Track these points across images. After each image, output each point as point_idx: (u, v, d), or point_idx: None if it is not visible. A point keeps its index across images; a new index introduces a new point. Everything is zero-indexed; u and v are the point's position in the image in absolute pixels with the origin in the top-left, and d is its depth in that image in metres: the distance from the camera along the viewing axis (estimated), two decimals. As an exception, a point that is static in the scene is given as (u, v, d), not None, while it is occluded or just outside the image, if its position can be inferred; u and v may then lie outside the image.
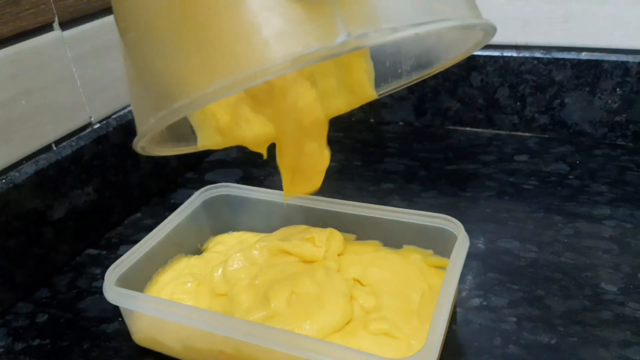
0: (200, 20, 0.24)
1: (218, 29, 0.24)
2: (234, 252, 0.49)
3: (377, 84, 0.40)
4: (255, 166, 0.72)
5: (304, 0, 0.23)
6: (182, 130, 0.37)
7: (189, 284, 0.47)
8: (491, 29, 0.30)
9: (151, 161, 0.65)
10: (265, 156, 0.41)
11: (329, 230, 0.49)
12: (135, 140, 0.29)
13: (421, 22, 0.24)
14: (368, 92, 0.40)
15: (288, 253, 0.47)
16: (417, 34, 0.24)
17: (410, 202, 0.61)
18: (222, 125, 0.38)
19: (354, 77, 0.39)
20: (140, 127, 0.28)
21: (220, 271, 0.47)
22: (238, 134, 0.38)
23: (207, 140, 0.38)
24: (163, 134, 0.34)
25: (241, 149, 0.74)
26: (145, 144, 0.31)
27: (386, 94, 0.41)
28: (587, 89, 0.69)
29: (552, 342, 0.42)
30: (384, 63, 0.40)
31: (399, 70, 0.40)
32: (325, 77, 0.39)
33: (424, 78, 0.40)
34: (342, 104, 0.40)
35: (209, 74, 0.24)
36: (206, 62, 0.24)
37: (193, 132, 0.38)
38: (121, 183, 0.62)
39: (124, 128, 0.61)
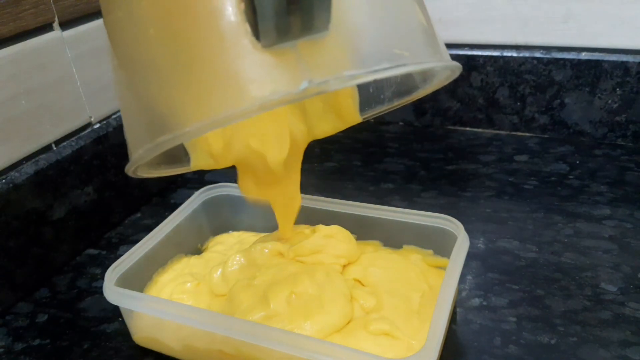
0: (187, 64, 0.27)
1: (200, 74, 0.27)
2: (233, 252, 0.49)
3: (362, 108, 0.42)
4: (255, 166, 0.71)
5: (272, 49, 0.26)
6: (176, 152, 0.39)
7: (189, 284, 0.47)
8: (455, 69, 0.32)
9: (151, 161, 0.65)
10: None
11: (334, 227, 0.49)
12: (127, 166, 0.32)
13: (379, 69, 0.26)
14: (353, 116, 0.42)
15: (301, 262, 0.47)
16: (375, 80, 0.27)
17: (410, 202, 0.61)
18: (215, 151, 0.39)
19: (340, 102, 0.41)
20: (132, 155, 0.31)
21: (219, 272, 0.46)
22: (230, 157, 0.40)
23: (200, 161, 0.40)
24: (156, 158, 0.36)
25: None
26: (138, 169, 0.34)
27: (370, 118, 0.43)
28: (587, 89, 0.69)
29: (552, 342, 0.42)
30: (367, 89, 0.42)
31: (382, 97, 0.42)
32: (313, 101, 0.41)
33: (405, 104, 0.42)
34: (329, 127, 0.42)
35: (191, 113, 0.27)
36: (189, 102, 0.27)
37: (186, 154, 0.40)
38: (121, 183, 0.62)
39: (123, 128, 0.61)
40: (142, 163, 0.30)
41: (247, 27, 0.25)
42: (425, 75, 0.39)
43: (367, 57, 0.28)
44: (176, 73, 0.27)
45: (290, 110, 0.41)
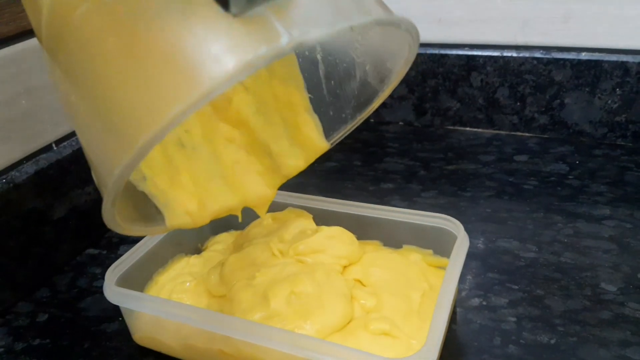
0: (150, 53, 0.25)
1: (171, 57, 0.25)
2: (230, 252, 0.49)
3: (327, 133, 0.42)
4: (255, 166, 0.72)
5: (243, 16, 0.25)
6: (149, 210, 0.38)
7: (188, 284, 0.47)
8: (412, 28, 0.31)
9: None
10: (240, 219, 0.43)
11: (337, 228, 0.49)
12: (104, 204, 0.29)
13: (354, 19, 0.27)
14: (320, 145, 0.42)
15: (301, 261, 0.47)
16: (352, 27, 0.27)
17: (410, 202, 0.62)
18: (190, 209, 0.39)
19: (303, 134, 0.41)
20: (107, 186, 0.28)
21: (217, 274, 0.46)
22: (207, 215, 0.40)
23: (175, 220, 0.38)
24: (130, 212, 0.34)
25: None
26: (116, 213, 0.31)
27: (338, 141, 0.43)
28: (587, 89, 0.69)
29: (552, 341, 0.42)
30: (327, 113, 0.41)
31: (343, 115, 0.42)
32: (277, 140, 0.41)
33: (367, 115, 0.41)
34: (300, 161, 0.42)
35: (171, 99, 0.25)
36: (166, 90, 0.25)
37: (160, 212, 0.38)
38: (121, 183, 0.61)
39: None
40: (122, 185, 0.28)
41: None
42: (382, 75, 0.38)
43: (340, 11, 0.27)
44: (145, 62, 0.25)
45: (257, 157, 0.41)
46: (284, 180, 0.42)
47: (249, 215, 0.53)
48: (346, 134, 0.42)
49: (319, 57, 0.39)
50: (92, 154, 0.30)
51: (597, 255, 0.51)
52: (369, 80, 0.39)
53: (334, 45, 0.39)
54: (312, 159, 0.42)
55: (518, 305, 0.46)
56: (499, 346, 0.42)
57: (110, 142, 0.28)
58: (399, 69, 0.37)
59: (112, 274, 0.43)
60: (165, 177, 0.38)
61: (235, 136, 0.41)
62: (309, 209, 0.51)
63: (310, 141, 0.41)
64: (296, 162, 0.42)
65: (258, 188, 0.41)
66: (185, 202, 0.38)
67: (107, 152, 0.28)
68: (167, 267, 0.50)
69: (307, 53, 0.39)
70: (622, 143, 0.70)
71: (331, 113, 0.42)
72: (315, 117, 0.41)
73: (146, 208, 0.37)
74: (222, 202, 0.40)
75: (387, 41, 0.36)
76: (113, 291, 0.42)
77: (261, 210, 0.43)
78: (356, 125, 0.42)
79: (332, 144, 0.42)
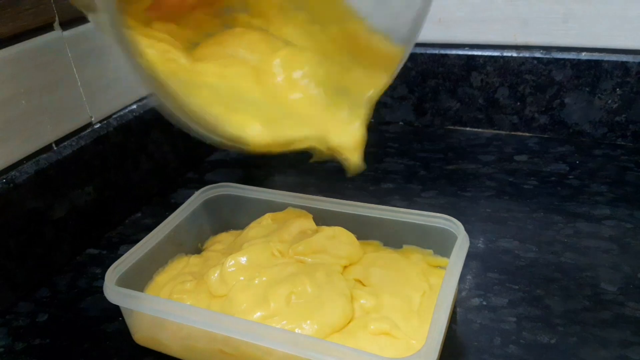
0: None
1: None
2: (230, 252, 0.49)
3: (397, 38, 0.39)
4: (255, 166, 0.72)
5: None
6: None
7: (188, 284, 0.47)
8: None
9: (152, 161, 0.65)
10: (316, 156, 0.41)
11: (337, 228, 0.49)
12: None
13: None
14: (393, 51, 0.39)
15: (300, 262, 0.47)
16: None
17: (411, 202, 0.61)
18: (252, 128, 0.35)
19: (373, 53, 0.39)
20: None
21: (217, 274, 0.46)
22: (275, 135, 0.36)
23: (233, 131, 0.34)
24: None
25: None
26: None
27: (414, 39, 0.39)
28: (587, 89, 0.69)
29: (552, 342, 0.42)
30: (387, 21, 0.39)
31: (404, 9, 0.39)
32: (349, 74, 0.39)
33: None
34: (380, 80, 0.40)
35: None
36: None
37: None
38: (122, 183, 0.62)
39: (124, 128, 0.61)
40: None
41: None
42: None
43: None
44: None
45: (332, 99, 0.38)
46: (368, 110, 0.39)
47: (249, 215, 0.54)
48: (419, 29, 0.39)
49: None
50: None
51: (597, 255, 0.51)
52: None
53: None
54: (392, 71, 0.39)
55: (518, 305, 0.46)
56: (499, 346, 0.42)
57: None
58: None
59: (112, 274, 0.43)
60: (220, 108, 0.35)
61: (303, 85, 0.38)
62: (309, 209, 0.51)
63: (382, 54, 0.39)
64: (378, 82, 0.40)
65: (342, 119, 0.38)
66: (248, 122, 0.35)
67: None
68: (167, 267, 0.50)
69: None
70: (622, 143, 0.70)
71: (389, 18, 0.39)
72: (378, 31, 0.39)
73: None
74: (295, 131, 0.37)
75: None
76: (113, 291, 0.42)
77: (353, 154, 0.40)
78: (427, 10, 0.39)
79: (406, 45, 0.39)
